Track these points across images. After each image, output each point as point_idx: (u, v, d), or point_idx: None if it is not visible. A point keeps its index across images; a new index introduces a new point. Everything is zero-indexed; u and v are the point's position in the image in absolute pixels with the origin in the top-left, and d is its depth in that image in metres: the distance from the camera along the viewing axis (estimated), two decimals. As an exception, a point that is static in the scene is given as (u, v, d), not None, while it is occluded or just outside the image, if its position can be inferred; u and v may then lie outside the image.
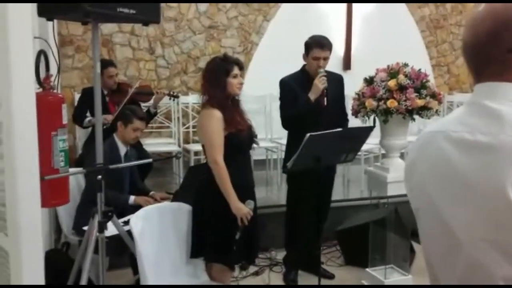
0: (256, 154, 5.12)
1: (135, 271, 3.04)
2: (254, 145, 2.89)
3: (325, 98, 3.24)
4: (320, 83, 3.22)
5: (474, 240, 0.88)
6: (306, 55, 3.38)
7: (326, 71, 3.34)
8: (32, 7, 2.26)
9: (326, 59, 3.33)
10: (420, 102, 3.13)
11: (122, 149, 3.38)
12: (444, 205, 0.94)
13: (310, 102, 3.23)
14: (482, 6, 0.95)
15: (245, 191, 2.71)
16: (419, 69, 3.27)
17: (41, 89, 2.19)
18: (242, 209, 2.61)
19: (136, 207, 2.98)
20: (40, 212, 1.79)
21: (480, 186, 0.86)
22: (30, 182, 1.72)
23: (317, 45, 3.32)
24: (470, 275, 0.90)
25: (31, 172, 1.73)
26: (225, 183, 2.62)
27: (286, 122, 3.42)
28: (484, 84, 0.95)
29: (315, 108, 3.23)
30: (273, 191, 5.23)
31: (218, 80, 2.67)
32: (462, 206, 0.90)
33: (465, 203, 0.90)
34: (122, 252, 2.94)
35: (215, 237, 2.68)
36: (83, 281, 2.32)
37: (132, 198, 3.27)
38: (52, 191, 2.17)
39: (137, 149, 4.46)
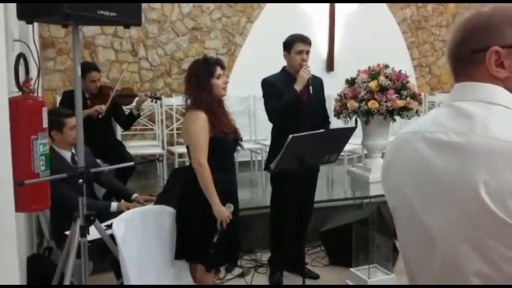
0: (241, 155, 5.12)
1: (118, 275, 3.01)
2: (239, 148, 2.89)
3: (310, 87, 3.32)
4: (305, 73, 3.29)
5: (449, 239, 0.90)
6: (288, 52, 3.42)
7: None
8: (12, 10, 2.23)
9: (307, 53, 3.41)
10: (400, 103, 3.16)
11: (67, 154, 3.17)
12: (419, 205, 0.96)
13: (296, 92, 3.30)
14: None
15: (229, 194, 2.72)
16: (400, 70, 3.31)
17: (20, 93, 2.17)
18: (223, 212, 2.62)
19: (119, 212, 2.95)
20: (14, 217, 1.75)
21: (454, 185, 0.88)
22: (4, 188, 1.68)
23: (299, 39, 3.41)
24: (445, 273, 0.92)
25: (5, 178, 1.69)
26: (208, 186, 2.62)
27: (272, 114, 3.42)
28: (458, 85, 0.99)
29: (300, 101, 3.29)
30: (257, 192, 5.23)
31: (203, 82, 2.67)
32: (436, 205, 0.92)
33: (439, 203, 0.91)
34: (105, 256, 2.91)
35: (197, 238, 2.68)
36: (66, 286, 2.30)
37: (114, 206, 3.17)
38: (32, 196, 2.15)
39: (118, 150, 4.43)
